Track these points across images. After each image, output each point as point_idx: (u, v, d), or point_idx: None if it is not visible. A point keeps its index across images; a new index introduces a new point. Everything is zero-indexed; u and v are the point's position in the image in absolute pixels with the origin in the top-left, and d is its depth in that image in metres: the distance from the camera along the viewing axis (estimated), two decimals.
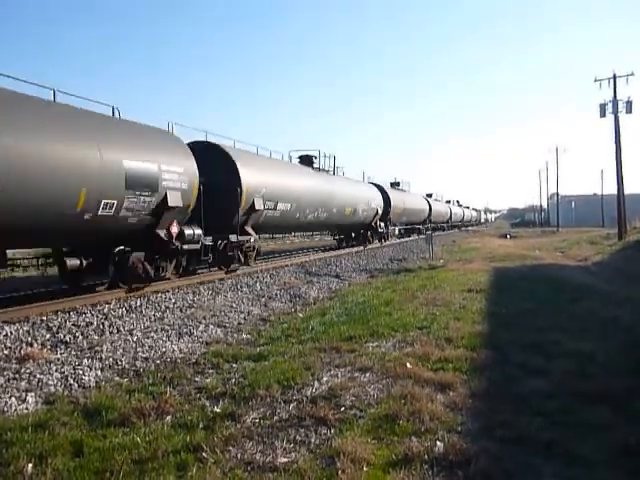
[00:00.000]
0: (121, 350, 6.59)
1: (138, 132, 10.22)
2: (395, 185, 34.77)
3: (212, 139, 13.76)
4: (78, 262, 9.03)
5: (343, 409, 4.42)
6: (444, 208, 53.77)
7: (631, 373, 5.28)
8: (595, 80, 32.20)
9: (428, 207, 41.54)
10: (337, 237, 26.13)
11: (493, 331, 7.26)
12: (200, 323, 8.32)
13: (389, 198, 28.29)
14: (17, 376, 5.40)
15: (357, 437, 3.81)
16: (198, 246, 11.22)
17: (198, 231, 11.14)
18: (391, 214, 28.84)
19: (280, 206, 15.21)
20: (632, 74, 31.09)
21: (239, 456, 3.59)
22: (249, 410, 4.41)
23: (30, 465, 3.39)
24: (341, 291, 12.15)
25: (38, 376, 5.42)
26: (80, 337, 7.17)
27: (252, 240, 14.13)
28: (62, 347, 6.71)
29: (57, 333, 7.27)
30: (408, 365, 5.53)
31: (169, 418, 4.27)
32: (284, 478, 3.29)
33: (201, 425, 4.09)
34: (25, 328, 7.35)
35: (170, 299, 10.07)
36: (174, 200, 10.16)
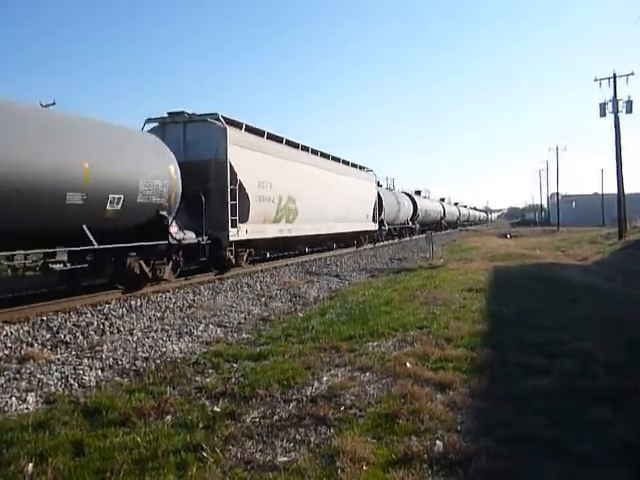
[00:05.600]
0: (121, 350, 6.59)
1: None
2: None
3: None
4: None
5: (343, 408, 4.42)
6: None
7: (632, 372, 5.27)
8: (595, 79, 32.28)
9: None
10: None
11: (493, 330, 7.26)
12: (200, 323, 8.33)
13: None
14: (17, 376, 5.41)
15: (357, 436, 3.80)
16: None
17: None
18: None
19: None
20: (632, 74, 31.20)
21: (239, 455, 3.60)
22: (249, 409, 4.42)
23: (31, 465, 3.39)
24: (341, 291, 12.16)
25: (38, 376, 5.43)
26: (80, 337, 7.19)
27: None
28: (62, 347, 6.72)
29: (57, 333, 7.28)
30: (408, 364, 5.53)
31: (169, 418, 4.27)
32: (284, 477, 3.28)
33: (201, 424, 4.08)
34: (25, 328, 7.37)
35: (170, 299, 10.10)
36: None
